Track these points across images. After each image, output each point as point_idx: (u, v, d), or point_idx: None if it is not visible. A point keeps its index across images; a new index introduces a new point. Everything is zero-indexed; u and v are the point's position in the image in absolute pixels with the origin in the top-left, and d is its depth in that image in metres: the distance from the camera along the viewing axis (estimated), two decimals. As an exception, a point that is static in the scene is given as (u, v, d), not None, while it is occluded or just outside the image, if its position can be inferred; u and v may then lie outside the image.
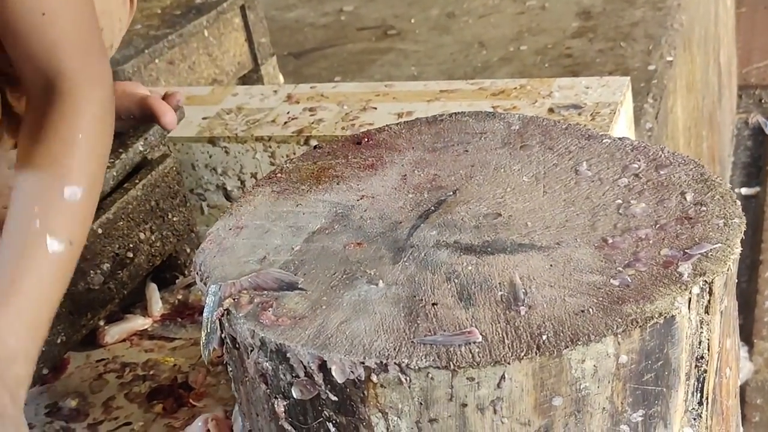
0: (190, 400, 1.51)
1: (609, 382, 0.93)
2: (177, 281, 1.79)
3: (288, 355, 0.96)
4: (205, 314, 1.04)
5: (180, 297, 1.76)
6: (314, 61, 3.07)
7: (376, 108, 1.80)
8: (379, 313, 0.97)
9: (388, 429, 0.95)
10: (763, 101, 4.68)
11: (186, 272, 1.78)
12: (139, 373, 1.61)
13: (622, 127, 1.66)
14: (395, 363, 0.91)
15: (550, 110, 1.66)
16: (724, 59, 4.05)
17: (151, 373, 1.60)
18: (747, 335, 3.11)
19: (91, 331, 1.62)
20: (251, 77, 2.73)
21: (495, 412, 0.93)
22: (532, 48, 2.84)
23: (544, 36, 2.90)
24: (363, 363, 0.92)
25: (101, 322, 1.67)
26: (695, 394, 1.01)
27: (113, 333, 1.69)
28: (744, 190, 4.05)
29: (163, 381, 1.58)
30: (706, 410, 1.02)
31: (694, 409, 1.01)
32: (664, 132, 2.43)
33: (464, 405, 0.92)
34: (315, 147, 1.32)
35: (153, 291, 1.76)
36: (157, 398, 1.54)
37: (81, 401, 1.56)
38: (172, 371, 1.60)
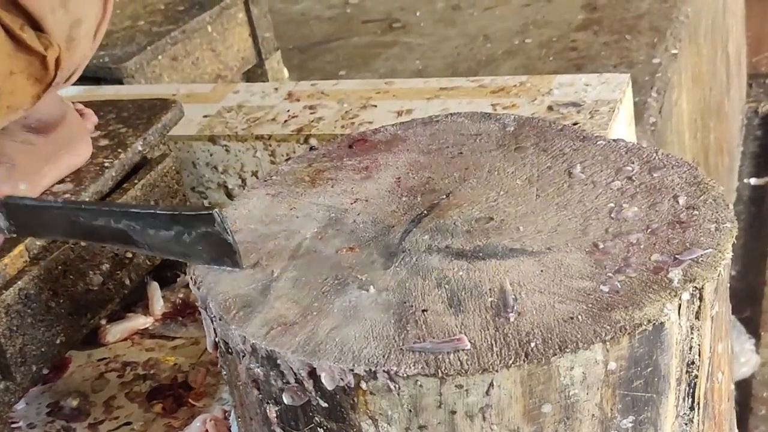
0: (190, 400, 1.52)
1: (598, 388, 0.93)
2: (178, 279, 1.79)
3: (278, 361, 0.96)
4: None
5: (181, 296, 1.77)
6: (319, 55, 3.07)
7: (376, 106, 1.80)
8: (370, 319, 0.97)
9: (378, 435, 0.95)
10: (773, 90, 4.65)
11: (186, 271, 1.78)
12: (140, 373, 1.62)
13: (622, 124, 1.65)
14: (384, 371, 0.91)
15: (550, 108, 1.66)
16: (733, 48, 4.03)
17: (152, 372, 1.61)
18: (754, 328, 3.10)
19: (92, 330, 1.63)
20: (255, 72, 2.73)
21: (484, 419, 0.93)
22: (536, 41, 2.83)
23: (549, 29, 2.89)
24: (352, 370, 0.92)
25: (103, 321, 1.68)
26: (686, 399, 1.00)
27: (114, 332, 1.69)
28: (753, 181, 4.03)
29: (163, 380, 1.58)
30: (698, 415, 1.02)
31: (685, 414, 1.01)
32: (669, 126, 2.42)
33: (453, 412, 0.93)
34: (311, 149, 1.32)
35: (154, 290, 1.76)
36: (157, 398, 1.54)
37: (82, 400, 1.57)
38: (172, 370, 1.61)
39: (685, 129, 2.72)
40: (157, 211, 1.10)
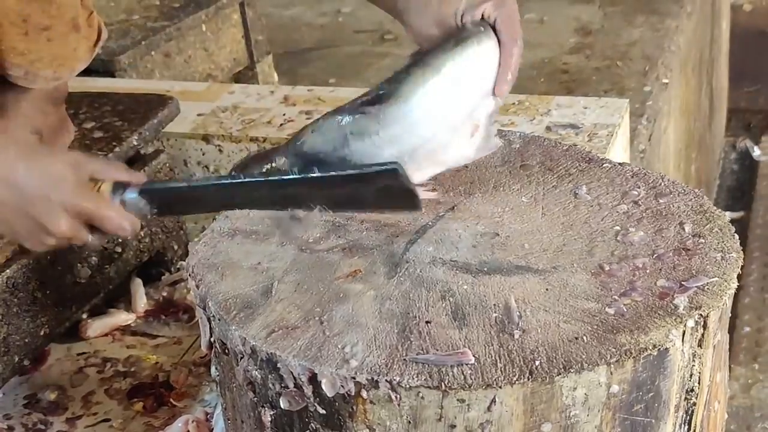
0: (171, 400, 1.50)
1: (599, 411, 0.93)
2: (163, 278, 1.77)
3: (278, 365, 0.95)
4: None
5: (165, 294, 1.75)
6: (309, 61, 3.06)
7: (373, 115, 1.78)
8: (372, 328, 0.96)
9: (375, 446, 0.94)
10: (751, 125, 4.69)
11: (172, 269, 1.76)
12: (120, 369, 1.59)
13: (619, 149, 1.66)
14: (386, 380, 0.90)
15: (548, 128, 1.66)
16: (717, 82, 4.06)
17: (132, 369, 1.59)
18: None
19: (73, 324, 1.61)
20: (246, 74, 2.72)
21: (483, 435, 0.92)
22: (528, 61, 2.83)
23: (541, 50, 2.90)
24: (354, 378, 0.91)
25: (84, 315, 1.65)
26: (683, 426, 1.00)
27: (96, 327, 1.67)
28: (728, 214, 4.05)
29: (144, 378, 1.56)
30: (693, 443, 1.02)
31: (681, 441, 1.01)
32: (656, 154, 2.43)
33: (453, 426, 0.92)
34: (313, 153, 1.31)
35: (138, 286, 1.74)
36: (138, 396, 1.52)
37: (60, 394, 1.55)
38: (153, 369, 1.58)
39: (670, 158, 2.73)
40: (330, 174, 1.05)
